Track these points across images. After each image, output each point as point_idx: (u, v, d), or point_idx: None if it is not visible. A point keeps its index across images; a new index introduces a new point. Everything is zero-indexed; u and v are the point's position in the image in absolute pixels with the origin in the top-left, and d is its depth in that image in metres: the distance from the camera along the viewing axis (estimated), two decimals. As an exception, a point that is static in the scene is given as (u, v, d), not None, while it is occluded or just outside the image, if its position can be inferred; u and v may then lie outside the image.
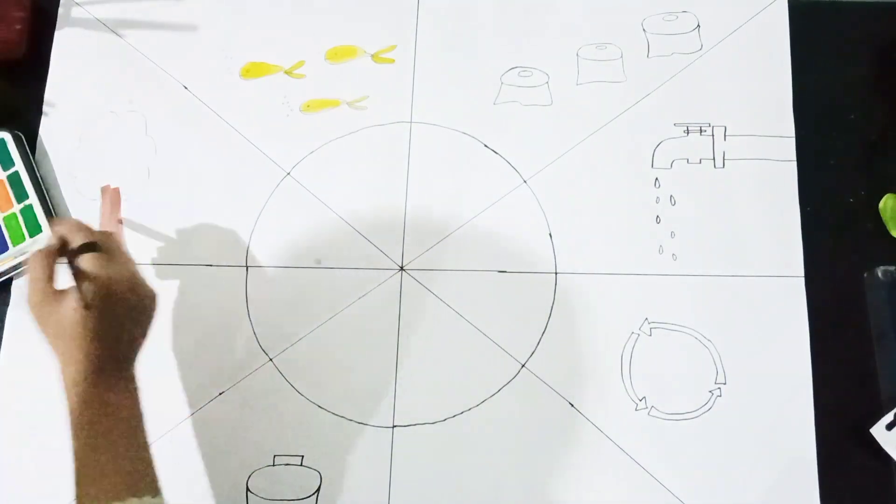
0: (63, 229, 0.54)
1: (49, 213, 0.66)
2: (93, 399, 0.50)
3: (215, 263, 0.66)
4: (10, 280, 0.66)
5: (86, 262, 0.53)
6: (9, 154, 0.67)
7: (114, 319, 0.52)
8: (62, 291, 0.52)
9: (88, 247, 0.53)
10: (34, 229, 0.66)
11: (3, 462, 0.63)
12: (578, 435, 0.61)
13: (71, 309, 0.51)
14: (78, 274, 0.53)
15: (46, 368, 0.64)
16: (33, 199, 0.66)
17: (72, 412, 0.50)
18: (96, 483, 0.49)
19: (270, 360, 0.64)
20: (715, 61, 0.68)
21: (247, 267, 0.66)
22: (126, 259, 0.56)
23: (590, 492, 0.60)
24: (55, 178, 0.68)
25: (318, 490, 0.61)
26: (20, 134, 0.68)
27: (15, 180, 0.67)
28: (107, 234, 0.57)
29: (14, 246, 0.66)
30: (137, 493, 0.49)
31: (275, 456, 0.61)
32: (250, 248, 0.66)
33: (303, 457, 0.61)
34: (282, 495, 0.61)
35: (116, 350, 0.52)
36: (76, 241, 0.54)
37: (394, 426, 0.62)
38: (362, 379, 0.63)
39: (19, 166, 0.67)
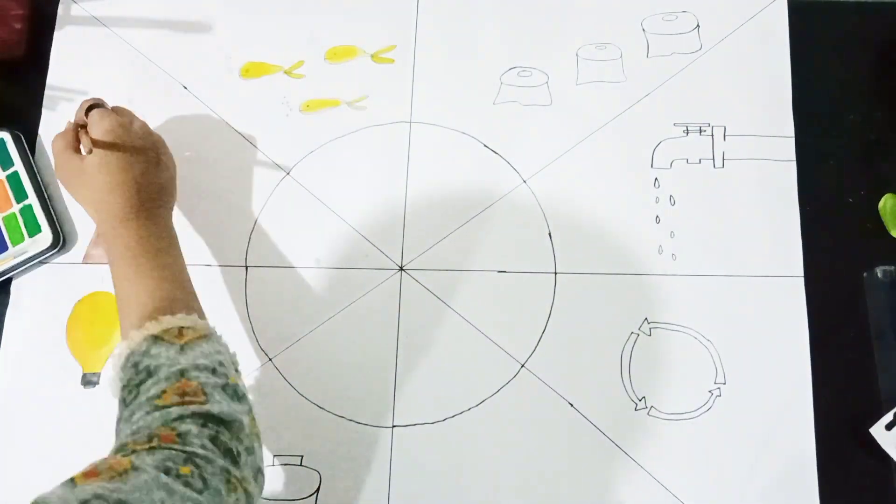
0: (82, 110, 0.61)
1: (48, 213, 0.66)
2: (119, 238, 0.56)
3: (215, 263, 0.66)
4: (9, 280, 0.66)
5: (91, 116, 0.59)
6: (8, 154, 0.67)
7: (127, 165, 0.57)
8: (80, 156, 0.59)
9: (94, 106, 0.60)
10: (33, 229, 0.66)
11: (3, 462, 0.63)
12: (578, 435, 0.61)
13: (84, 161, 0.58)
14: (84, 127, 0.60)
15: (46, 368, 0.64)
16: (32, 198, 0.66)
17: (107, 251, 0.57)
18: (130, 308, 0.53)
19: (270, 360, 0.64)
20: (714, 61, 0.68)
21: (246, 267, 0.66)
22: (130, 113, 0.62)
23: (590, 492, 0.60)
24: (55, 178, 0.68)
25: (318, 490, 0.61)
26: (20, 134, 0.68)
27: (14, 180, 0.67)
28: (120, 107, 0.63)
29: (13, 246, 0.66)
30: (171, 312, 0.52)
31: (274, 456, 0.61)
32: (250, 248, 0.66)
33: (302, 457, 0.61)
34: (282, 495, 0.61)
35: (140, 196, 0.57)
36: (84, 106, 0.61)
37: (393, 426, 0.62)
38: (362, 379, 0.63)
39: (18, 166, 0.67)
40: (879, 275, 0.62)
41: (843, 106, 0.66)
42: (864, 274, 0.63)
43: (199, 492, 0.41)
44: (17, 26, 0.70)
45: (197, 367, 0.48)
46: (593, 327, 0.63)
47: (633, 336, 0.63)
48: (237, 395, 0.49)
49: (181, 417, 0.45)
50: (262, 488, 0.48)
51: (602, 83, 0.68)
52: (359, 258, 0.65)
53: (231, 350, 0.54)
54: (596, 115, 0.67)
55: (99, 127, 0.58)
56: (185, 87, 0.70)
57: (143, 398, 0.47)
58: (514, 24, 0.70)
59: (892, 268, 0.62)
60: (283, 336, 0.64)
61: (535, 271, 0.64)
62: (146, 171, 0.58)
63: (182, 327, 0.51)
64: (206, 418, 0.45)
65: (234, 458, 0.45)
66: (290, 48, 0.70)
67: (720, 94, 0.67)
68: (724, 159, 0.66)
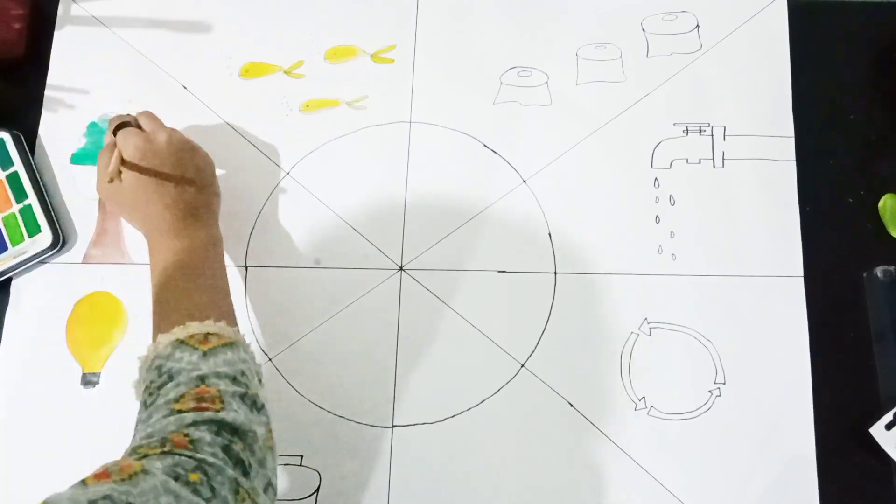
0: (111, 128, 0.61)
1: (48, 213, 0.66)
2: (159, 251, 0.57)
3: (215, 263, 0.66)
4: (9, 280, 0.66)
5: (119, 136, 0.59)
6: (8, 154, 0.67)
7: (158, 182, 0.58)
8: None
9: (122, 125, 0.60)
10: (33, 229, 0.66)
11: (3, 462, 0.63)
12: (578, 435, 0.61)
13: (119, 183, 0.58)
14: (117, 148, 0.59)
15: (46, 368, 0.64)
16: (32, 199, 0.66)
17: (150, 259, 0.58)
18: (162, 315, 0.53)
19: (270, 360, 0.64)
20: (714, 61, 0.68)
21: (246, 267, 0.66)
22: (156, 122, 0.62)
23: (589, 492, 0.60)
24: (54, 178, 0.68)
25: (318, 490, 0.61)
26: (19, 134, 0.68)
27: (14, 180, 0.67)
28: (144, 114, 0.63)
29: (13, 246, 0.66)
30: (200, 319, 0.52)
31: (274, 456, 0.61)
32: (250, 248, 0.66)
33: (302, 457, 0.61)
34: (281, 495, 0.61)
35: (177, 211, 0.58)
36: (112, 125, 0.61)
37: (393, 426, 0.62)
38: (362, 379, 0.63)
39: (18, 166, 0.67)
40: (879, 275, 0.62)
41: (843, 106, 0.66)
42: (864, 274, 0.63)
43: (207, 500, 0.41)
44: (17, 26, 0.70)
45: (217, 375, 0.48)
46: (593, 327, 0.63)
47: (633, 336, 0.63)
48: (255, 405, 0.49)
49: (195, 423, 0.44)
50: (272, 502, 0.48)
51: (602, 83, 0.68)
52: (359, 258, 0.65)
53: (258, 361, 0.53)
54: (596, 115, 0.67)
55: (125, 149, 0.58)
56: (185, 87, 0.70)
57: (161, 401, 0.47)
58: (514, 24, 0.70)
59: (892, 268, 0.62)
60: (283, 336, 0.64)
61: (534, 271, 0.64)
62: (180, 184, 0.59)
63: (208, 333, 0.51)
64: (221, 426, 0.45)
65: (244, 469, 0.45)
66: (289, 48, 0.70)
67: (720, 94, 0.67)
68: (723, 159, 0.66)
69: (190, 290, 0.55)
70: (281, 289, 0.65)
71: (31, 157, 0.68)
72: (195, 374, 0.48)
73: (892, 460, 0.58)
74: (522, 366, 0.62)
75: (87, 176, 0.68)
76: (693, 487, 0.60)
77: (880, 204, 0.64)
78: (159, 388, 0.48)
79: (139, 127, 0.61)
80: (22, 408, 0.64)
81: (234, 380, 0.49)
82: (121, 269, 0.66)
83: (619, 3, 0.69)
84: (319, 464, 0.61)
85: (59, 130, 0.69)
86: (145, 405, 0.48)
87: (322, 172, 0.67)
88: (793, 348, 0.62)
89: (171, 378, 0.48)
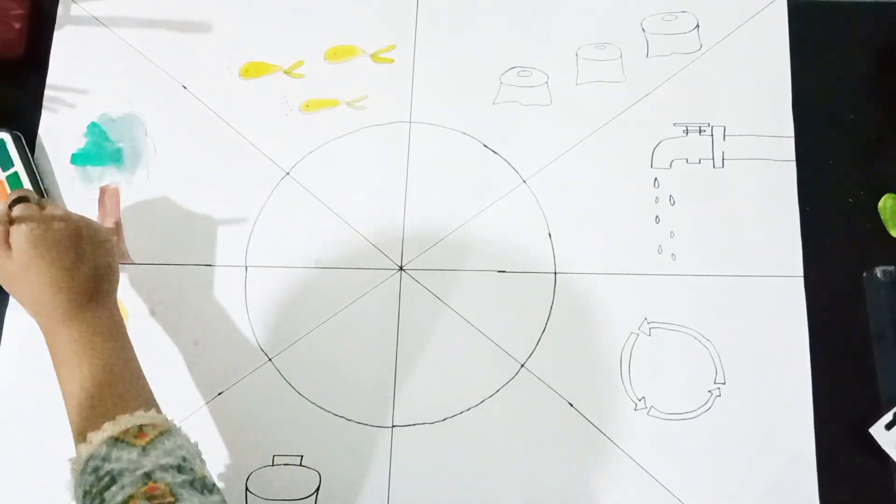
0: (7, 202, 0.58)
1: (48, 213, 0.66)
2: (60, 338, 0.53)
3: (215, 263, 0.66)
4: (9, 280, 0.66)
5: (16, 210, 0.56)
6: (8, 154, 0.67)
7: (51, 263, 0.54)
8: (10, 254, 0.55)
9: (18, 200, 0.57)
10: (33, 229, 0.66)
11: (3, 462, 0.63)
12: (578, 435, 0.61)
13: (12, 260, 0.54)
14: (11, 222, 0.56)
15: (46, 368, 0.64)
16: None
17: (50, 351, 0.54)
18: (82, 409, 0.51)
19: (270, 360, 0.64)
20: (714, 61, 0.68)
21: (246, 267, 0.66)
22: (58, 206, 0.59)
23: (589, 492, 0.60)
24: (54, 179, 0.68)
25: (318, 490, 0.61)
26: (19, 134, 0.68)
27: (14, 180, 0.67)
28: (47, 199, 0.60)
29: (13, 246, 0.66)
30: (128, 410, 0.50)
31: (274, 456, 0.61)
32: (250, 248, 0.66)
33: (302, 457, 0.61)
34: (281, 495, 0.61)
35: (75, 293, 0.54)
36: (10, 198, 0.57)
37: (393, 426, 0.62)
38: (362, 379, 0.63)
39: (18, 166, 0.67)
40: (879, 275, 0.62)
41: (843, 106, 0.66)
42: (864, 274, 0.63)
43: None
44: (17, 26, 0.70)
45: (162, 468, 0.46)
46: (593, 327, 0.63)
47: (633, 336, 0.63)
48: (206, 487, 0.47)
49: None
50: None
51: (602, 83, 0.68)
52: (359, 258, 0.65)
53: (192, 440, 0.52)
54: (596, 115, 0.67)
55: (19, 221, 0.55)
56: (185, 87, 0.70)
57: None
58: (514, 24, 0.70)
59: (892, 268, 0.62)
60: (283, 336, 0.64)
61: (534, 271, 0.64)
62: (77, 264, 0.55)
63: (142, 425, 0.49)
64: None
65: None
66: (289, 48, 0.70)
67: (720, 94, 0.67)
68: (723, 159, 0.66)
69: (108, 381, 0.52)
70: (281, 289, 0.65)
71: (31, 157, 0.68)
72: (139, 472, 0.46)
73: (892, 460, 0.58)
74: (522, 366, 0.62)
75: (87, 176, 0.68)
76: (693, 487, 0.60)
77: (880, 204, 0.64)
78: (102, 492, 0.46)
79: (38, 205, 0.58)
80: (21, 407, 0.64)
81: (179, 469, 0.47)
82: (121, 269, 0.65)
83: (618, 3, 0.69)
84: (320, 464, 0.61)
85: (59, 130, 0.69)
86: None
87: (322, 172, 0.67)
88: (793, 348, 0.62)
89: (113, 480, 0.46)
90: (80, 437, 0.49)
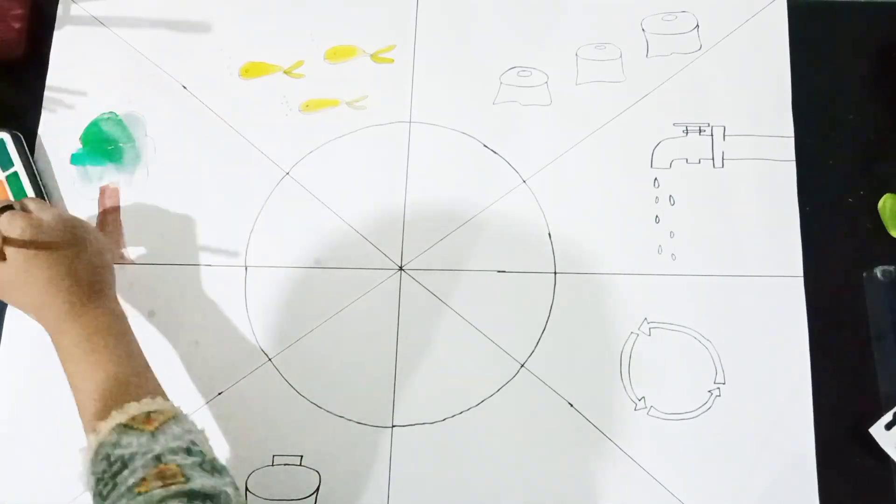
0: None
1: (48, 213, 0.66)
2: (66, 335, 0.54)
3: (215, 263, 0.66)
4: (9, 280, 0.66)
5: (3, 219, 0.56)
6: (8, 154, 0.67)
7: (52, 261, 0.55)
8: (3, 262, 0.56)
9: (4, 208, 0.57)
10: (33, 229, 0.66)
11: (3, 461, 0.63)
12: (578, 435, 0.61)
13: (7, 266, 0.55)
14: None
15: (46, 367, 0.64)
16: (32, 199, 0.66)
17: (56, 349, 0.55)
18: (91, 401, 0.52)
19: (269, 360, 0.64)
20: (714, 61, 0.68)
21: (246, 267, 0.66)
22: (41, 203, 0.59)
23: (589, 492, 0.60)
24: (54, 179, 0.68)
25: (318, 490, 0.61)
26: (19, 134, 0.68)
27: (14, 180, 0.67)
28: (31, 199, 0.61)
29: (13, 246, 0.66)
30: (135, 398, 0.51)
31: (274, 456, 0.61)
32: (249, 249, 0.66)
33: (302, 457, 0.61)
34: (281, 495, 0.61)
35: (76, 289, 0.55)
36: None
37: (393, 426, 0.62)
38: (362, 379, 0.63)
39: (18, 167, 0.67)
40: (879, 275, 0.62)
41: (843, 106, 0.66)
42: (864, 274, 0.63)
43: None
44: (17, 26, 0.70)
45: (172, 451, 0.48)
46: (593, 327, 0.63)
47: (633, 336, 0.63)
48: (216, 468, 0.48)
49: (164, 499, 0.44)
50: None
51: (602, 83, 0.68)
52: (358, 258, 0.65)
53: (199, 427, 0.53)
54: (595, 115, 0.67)
55: (9, 231, 0.55)
56: (185, 87, 0.70)
57: (122, 488, 0.46)
58: (513, 24, 0.70)
59: (892, 268, 0.62)
60: (283, 336, 0.64)
61: (534, 271, 0.64)
62: (74, 262, 0.56)
63: (150, 412, 0.50)
64: (192, 496, 0.45)
65: None
66: (289, 48, 0.70)
67: (720, 94, 0.67)
68: (723, 159, 0.66)
69: (114, 369, 0.53)
70: (281, 289, 0.65)
71: (31, 158, 0.68)
72: (150, 455, 0.47)
73: (892, 460, 0.58)
74: (522, 366, 0.62)
75: (87, 176, 0.68)
76: (693, 487, 0.60)
77: (880, 204, 0.64)
78: (114, 476, 0.47)
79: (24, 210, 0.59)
80: (22, 408, 0.64)
81: (188, 451, 0.48)
82: (120, 269, 0.66)
83: (618, 3, 0.69)
84: (319, 464, 0.61)
85: (59, 130, 0.69)
86: (102, 496, 0.47)
87: (322, 172, 0.67)
88: (793, 348, 0.62)
89: (125, 465, 0.47)
90: (91, 428, 0.50)
